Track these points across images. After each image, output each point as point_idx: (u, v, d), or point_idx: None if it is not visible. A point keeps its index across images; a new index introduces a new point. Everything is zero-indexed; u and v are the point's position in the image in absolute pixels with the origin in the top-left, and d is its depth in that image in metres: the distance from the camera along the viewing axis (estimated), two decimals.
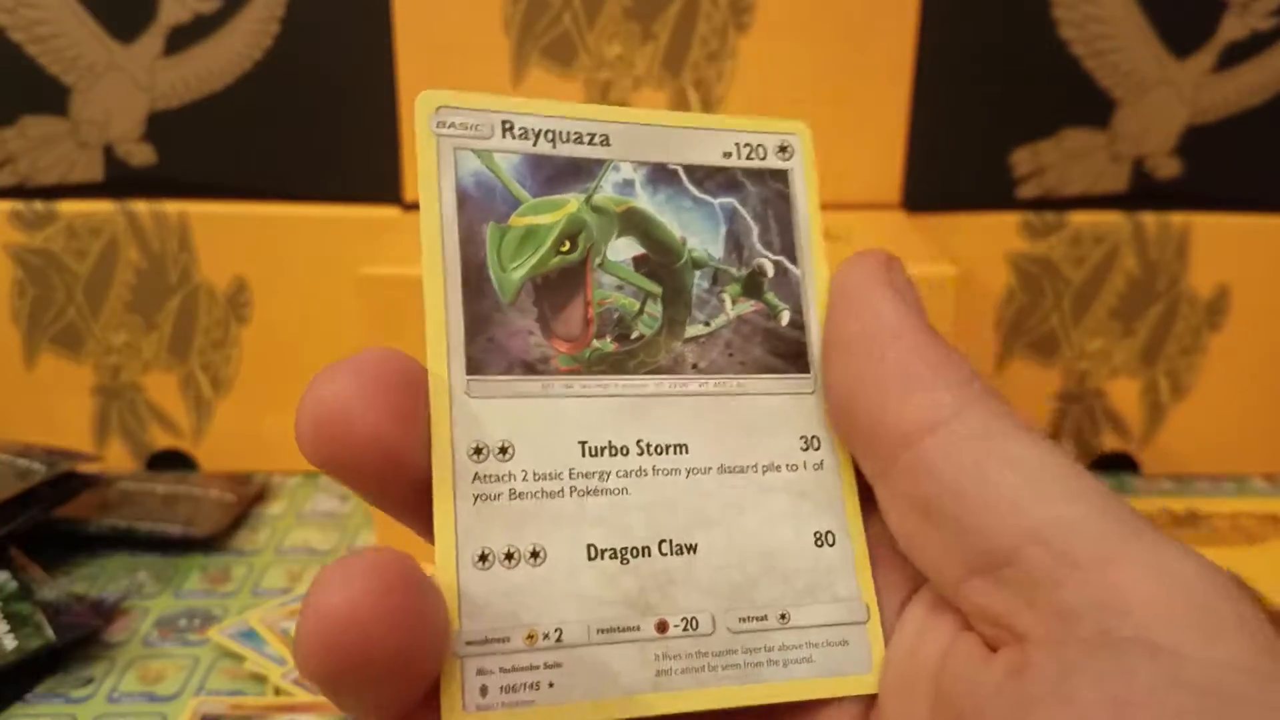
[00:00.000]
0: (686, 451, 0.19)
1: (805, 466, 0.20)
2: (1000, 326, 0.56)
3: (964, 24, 0.52)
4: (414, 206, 0.54)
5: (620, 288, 0.20)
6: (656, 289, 0.20)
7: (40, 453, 0.50)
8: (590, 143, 0.20)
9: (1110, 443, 0.59)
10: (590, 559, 0.19)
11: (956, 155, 0.54)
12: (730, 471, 0.20)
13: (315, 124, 0.53)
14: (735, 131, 0.21)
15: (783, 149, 0.22)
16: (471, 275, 0.19)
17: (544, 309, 0.19)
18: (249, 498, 0.55)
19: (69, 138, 0.54)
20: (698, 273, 0.20)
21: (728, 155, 0.21)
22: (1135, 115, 0.54)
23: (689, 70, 0.53)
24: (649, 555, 0.19)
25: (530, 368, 0.19)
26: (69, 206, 0.54)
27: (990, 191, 0.55)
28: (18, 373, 0.56)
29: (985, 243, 0.55)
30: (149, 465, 0.58)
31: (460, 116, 0.20)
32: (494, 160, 0.20)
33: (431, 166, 0.20)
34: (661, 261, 0.20)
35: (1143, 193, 0.55)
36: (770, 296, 0.21)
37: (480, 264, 0.19)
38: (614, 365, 0.19)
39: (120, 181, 0.54)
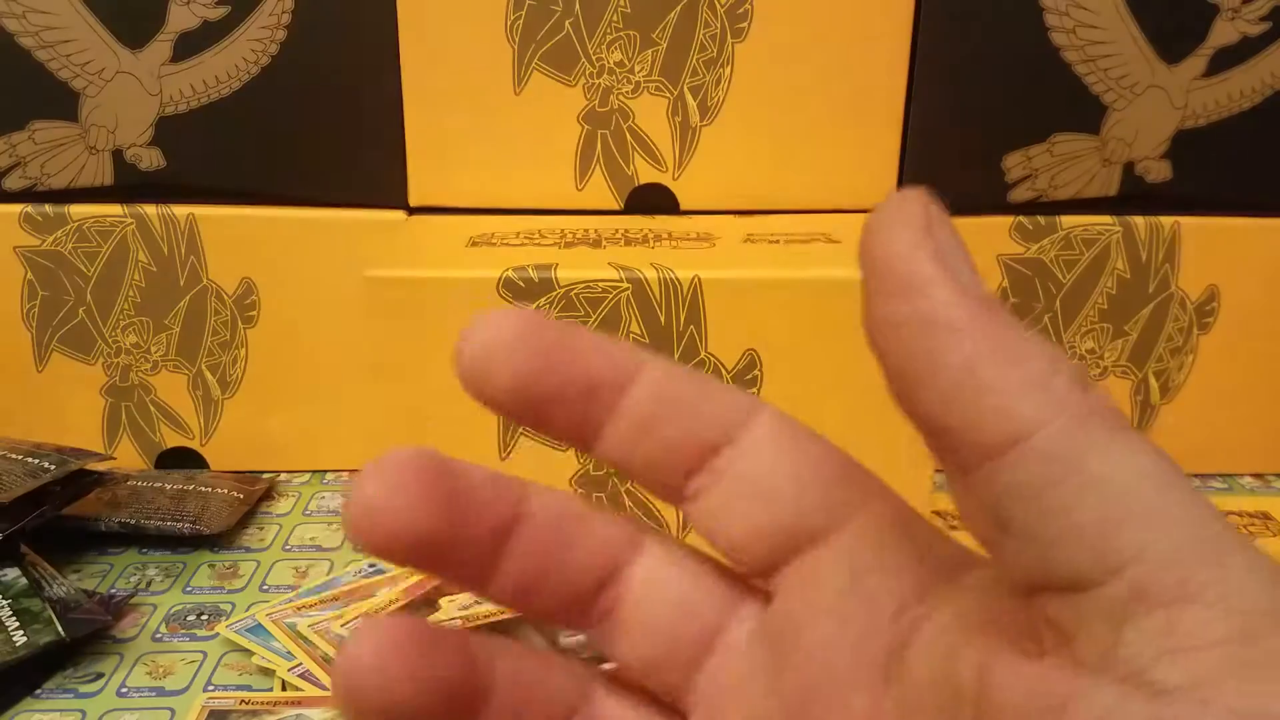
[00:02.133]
0: None
1: None
2: None
3: (958, 31, 0.53)
4: (419, 210, 0.55)
5: None
6: None
7: (51, 451, 0.51)
8: None
9: None
10: None
11: (950, 159, 0.55)
12: None
13: (322, 129, 0.54)
14: None
15: None
16: None
17: None
18: (257, 496, 0.55)
19: (79, 142, 0.54)
20: None
21: None
22: (1126, 120, 0.54)
23: (687, 77, 0.53)
24: None
25: None
26: (79, 210, 0.55)
27: (983, 195, 0.55)
28: (29, 373, 0.57)
29: (978, 245, 0.55)
30: (158, 464, 0.59)
31: None
32: None
33: None
34: None
35: (1133, 196, 0.55)
36: None
37: None
38: None
39: (129, 185, 0.55)
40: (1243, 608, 0.14)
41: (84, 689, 0.42)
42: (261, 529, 0.54)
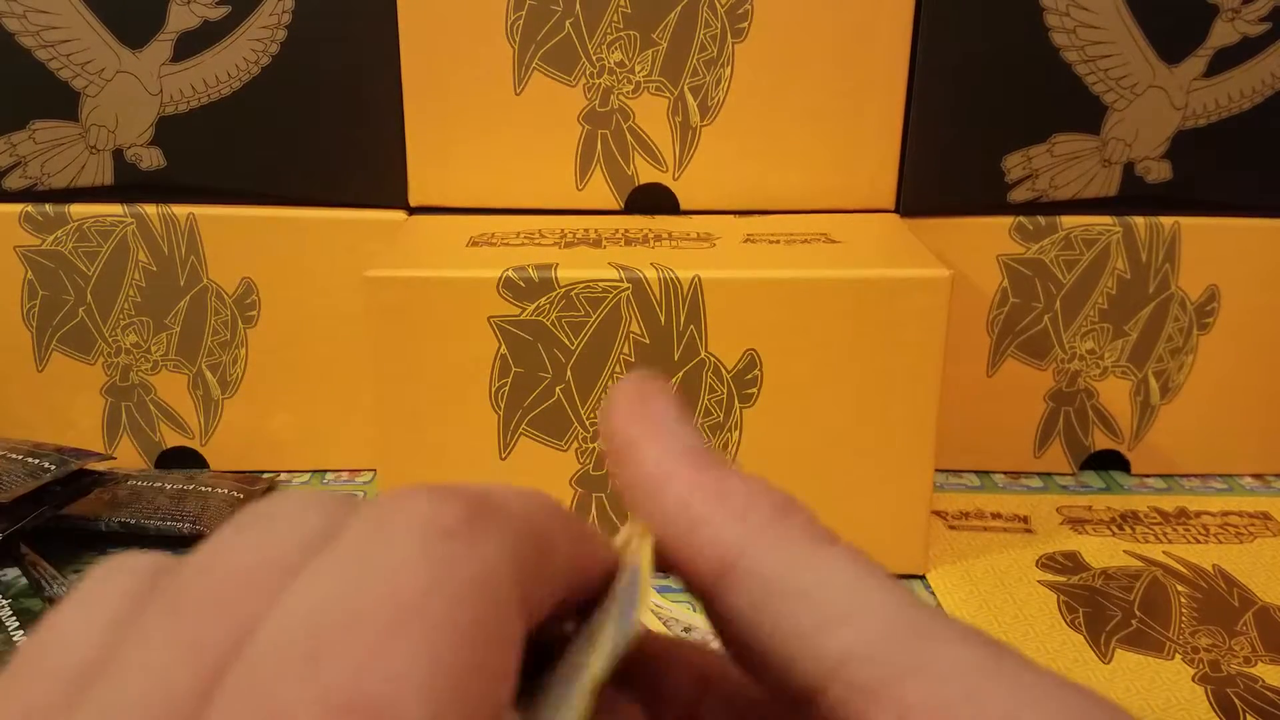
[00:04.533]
0: None
1: None
2: (993, 328, 0.57)
3: (958, 31, 0.53)
4: (419, 210, 0.55)
5: None
6: None
7: (51, 451, 0.51)
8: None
9: (1101, 442, 0.59)
10: None
11: (950, 160, 0.55)
12: None
13: (322, 129, 0.54)
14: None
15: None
16: None
17: None
18: (257, 495, 0.55)
19: (79, 142, 0.54)
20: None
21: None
22: (1126, 120, 0.54)
23: (687, 77, 0.53)
24: None
25: None
26: (79, 209, 0.55)
27: (984, 196, 0.55)
28: (29, 372, 0.57)
29: (979, 246, 0.56)
30: (158, 463, 0.59)
31: None
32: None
33: None
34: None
35: (1133, 196, 0.56)
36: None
37: None
38: None
39: (130, 185, 0.55)
40: (959, 672, 0.15)
41: None
42: None
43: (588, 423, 0.48)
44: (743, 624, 0.17)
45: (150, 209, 0.55)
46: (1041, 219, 0.56)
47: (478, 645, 0.14)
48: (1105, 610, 0.48)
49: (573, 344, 0.47)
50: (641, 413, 0.19)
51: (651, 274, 0.47)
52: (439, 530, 0.15)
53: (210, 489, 0.54)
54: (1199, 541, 0.53)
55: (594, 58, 0.53)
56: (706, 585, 0.18)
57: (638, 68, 0.53)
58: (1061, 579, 0.50)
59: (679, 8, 0.52)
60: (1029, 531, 0.54)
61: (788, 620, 0.17)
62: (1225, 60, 0.54)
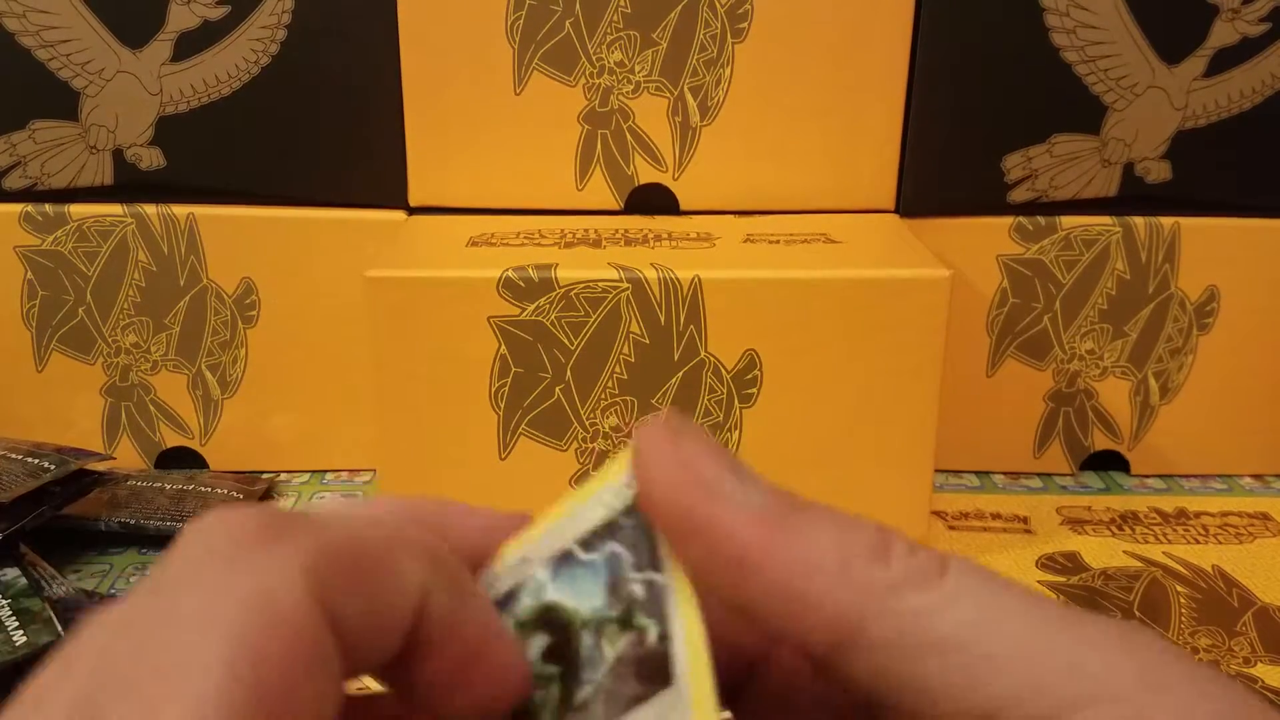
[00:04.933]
0: None
1: None
2: (993, 328, 0.57)
3: (958, 31, 0.53)
4: (419, 210, 0.55)
5: (535, 686, 0.20)
6: (554, 671, 0.20)
7: (51, 451, 0.51)
8: (515, 572, 0.21)
9: (1101, 442, 0.59)
10: None
11: (950, 160, 0.55)
12: None
13: (322, 128, 0.54)
14: (607, 485, 0.21)
15: (629, 482, 0.21)
16: None
17: None
18: (256, 496, 0.55)
19: (79, 142, 0.54)
20: (585, 633, 0.20)
21: (608, 505, 0.21)
22: (1126, 120, 0.54)
23: (687, 77, 0.53)
24: None
25: None
26: (79, 209, 0.55)
27: (983, 196, 0.55)
28: (29, 372, 0.57)
29: (978, 246, 0.56)
30: (158, 464, 0.59)
31: None
32: None
33: None
34: (561, 643, 0.21)
35: (1133, 196, 0.55)
36: (639, 619, 0.20)
37: None
38: None
39: (130, 185, 0.55)
40: (1126, 694, 0.15)
41: None
42: None
43: (587, 423, 0.48)
44: (879, 684, 0.17)
45: (150, 209, 0.55)
46: (1041, 219, 0.56)
47: (258, 667, 0.14)
48: (1105, 611, 0.48)
49: (572, 344, 0.47)
50: (689, 478, 0.18)
51: (651, 274, 0.47)
52: (220, 553, 0.16)
53: (210, 489, 0.54)
54: (1198, 542, 0.53)
55: (594, 58, 0.53)
56: (821, 655, 0.17)
57: (638, 68, 0.53)
58: (1061, 579, 0.50)
59: (679, 8, 0.52)
60: (1029, 532, 0.54)
61: (935, 679, 0.16)
62: (1225, 60, 0.54)
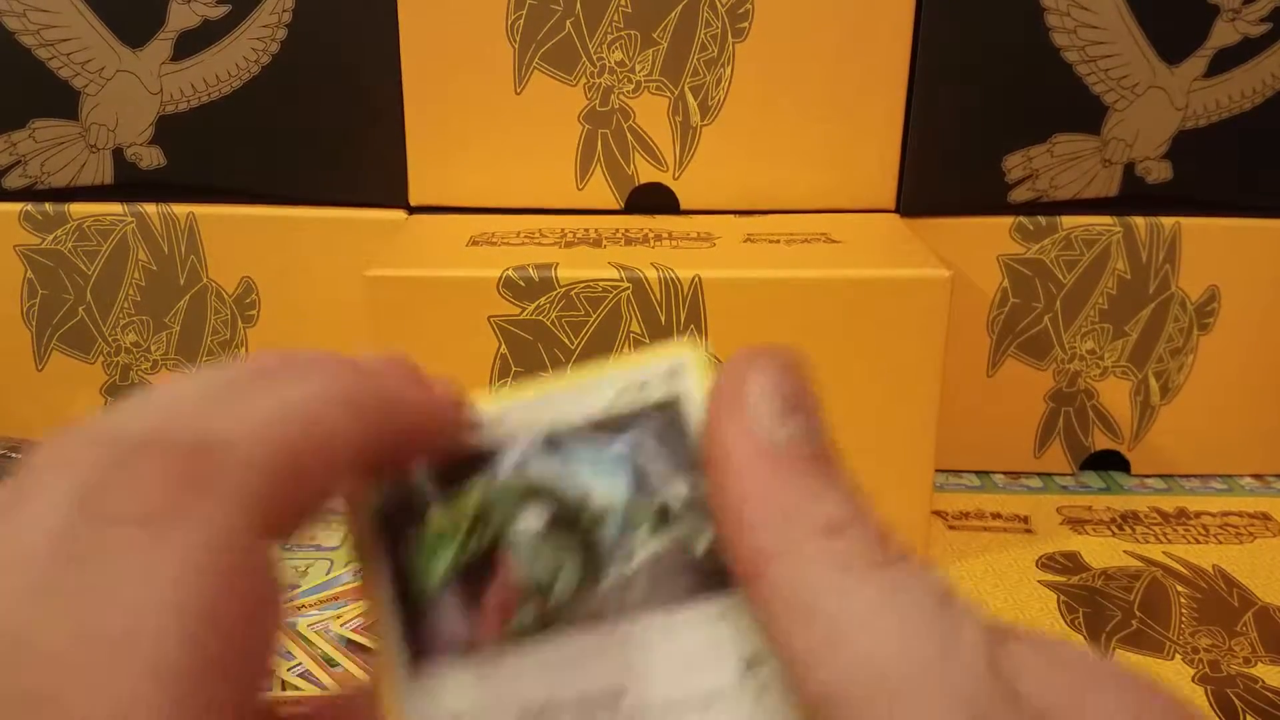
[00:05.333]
0: (625, 694, 0.20)
1: (747, 693, 0.20)
2: (993, 328, 0.57)
3: (958, 31, 0.53)
4: (419, 209, 0.55)
5: (535, 557, 0.21)
6: (567, 549, 0.21)
7: None
8: (489, 430, 0.21)
9: (1101, 442, 0.59)
10: None
11: (951, 160, 0.55)
12: (673, 706, 0.20)
13: (322, 128, 0.54)
14: (623, 373, 0.22)
15: (672, 374, 0.21)
16: (400, 581, 0.21)
17: (466, 596, 0.20)
18: None
19: (79, 141, 0.54)
20: (607, 521, 0.21)
21: (620, 394, 0.21)
22: (1127, 120, 0.54)
23: (688, 76, 0.53)
24: None
25: (464, 650, 0.20)
26: (79, 208, 0.55)
27: (984, 196, 0.55)
28: (28, 372, 0.57)
29: (979, 246, 0.56)
30: None
31: None
32: (406, 474, 0.21)
33: (366, 496, 0.21)
34: (569, 521, 0.21)
35: (1134, 196, 0.55)
36: (681, 525, 0.20)
37: (405, 570, 0.21)
38: (541, 631, 0.20)
39: (130, 184, 0.55)
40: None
41: None
42: None
43: None
44: (765, 625, 0.17)
45: (150, 208, 0.55)
46: (1042, 219, 0.55)
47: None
48: (1105, 610, 0.48)
49: (573, 344, 0.47)
50: (733, 391, 0.19)
51: (651, 274, 0.46)
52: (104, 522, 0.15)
53: None
54: (1199, 542, 0.53)
55: (594, 57, 0.53)
56: (741, 579, 0.18)
57: (638, 67, 0.53)
58: (1061, 579, 0.50)
59: (679, 7, 0.52)
60: (1029, 532, 0.54)
61: (793, 637, 0.17)
62: (1226, 60, 0.54)
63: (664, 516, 0.21)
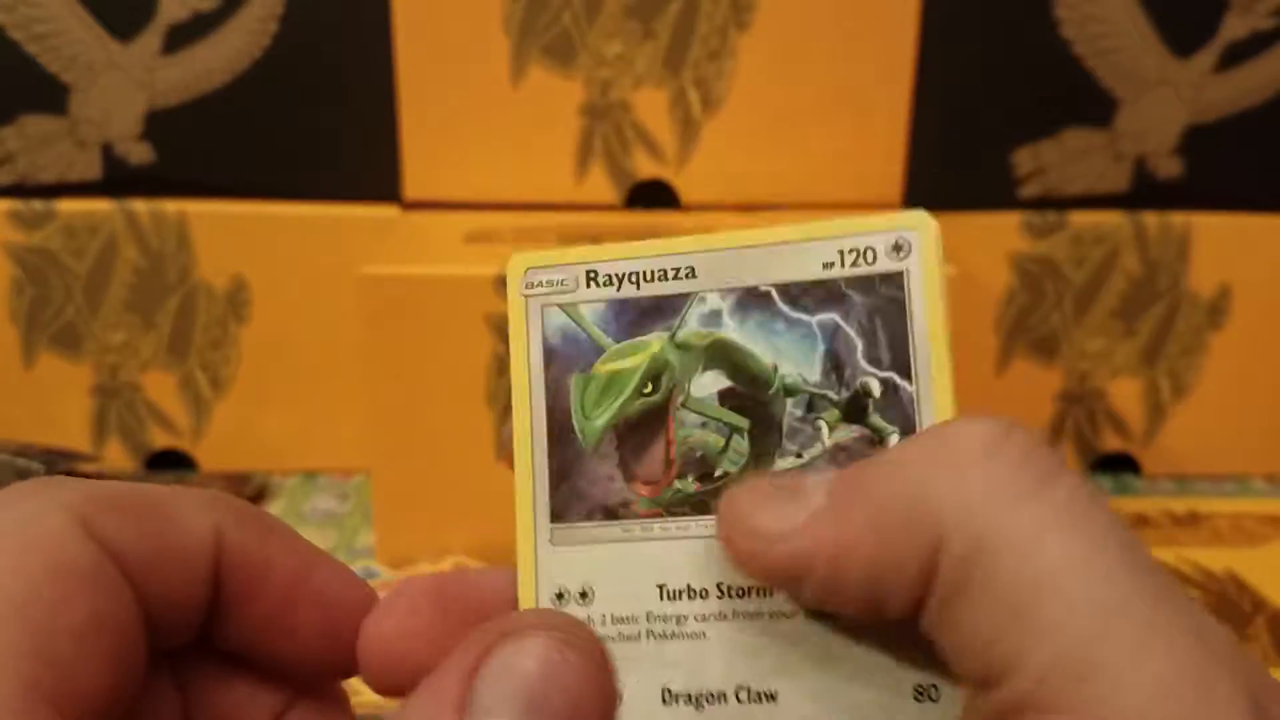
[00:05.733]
0: (769, 594, 0.19)
1: None
2: (1001, 326, 0.57)
3: (965, 23, 0.52)
4: (413, 205, 0.54)
5: (704, 425, 0.19)
6: (743, 423, 0.19)
7: (38, 452, 0.50)
8: (676, 277, 0.20)
9: (1111, 443, 0.59)
10: (665, 703, 0.19)
11: (958, 155, 0.54)
12: (818, 619, 0.19)
13: (315, 123, 0.54)
14: (839, 238, 0.20)
15: (897, 248, 0.19)
16: (556, 426, 0.20)
17: (625, 453, 0.19)
18: (248, 497, 0.55)
19: (67, 136, 0.54)
20: (790, 400, 0.19)
21: (829, 265, 0.19)
22: (1136, 115, 0.54)
23: (689, 69, 0.53)
24: (725, 701, 0.18)
25: (611, 513, 0.19)
26: (67, 205, 0.54)
27: (991, 191, 0.55)
28: (16, 372, 0.56)
29: (986, 242, 0.55)
30: (148, 465, 0.58)
31: (547, 274, 0.20)
32: (579, 312, 0.20)
33: (520, 326, 0.20)
34: (750, 393, 0.19)
35: (1144, 192, 0.55)
36: (876, 419, 0.19)
37: (565, 415, 0.20)
38: (696, 506, 0.19)
39: (119, 180, 0.54)
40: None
41: None
42: None
43: None
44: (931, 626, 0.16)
45: (140, 205, 0.54)
46: (1050, 215, 0.55)
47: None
48: None
49: None
50: (745, 532, 0.18)
51: None
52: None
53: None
54: (1210, 544, 0.52)
55: (593, 49, 0.52)
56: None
57: (638, 59, 0.53)
58: None
59: None
60: None
61: (963, 623, 0.15)
62: (1236, 55, 0.53)
63: (858, 407, 0.19)
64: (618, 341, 0.20)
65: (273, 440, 0.57)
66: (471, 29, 0.52)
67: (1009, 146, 0.54)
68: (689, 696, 0.19)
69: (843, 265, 0.19)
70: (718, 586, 0.19)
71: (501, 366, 0.47)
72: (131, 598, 0.17)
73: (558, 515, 0.19)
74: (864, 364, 0.19)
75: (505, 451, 0.20)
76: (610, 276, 0.20)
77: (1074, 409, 0.58)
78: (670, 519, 0.19)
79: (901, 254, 0.19)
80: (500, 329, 0.46)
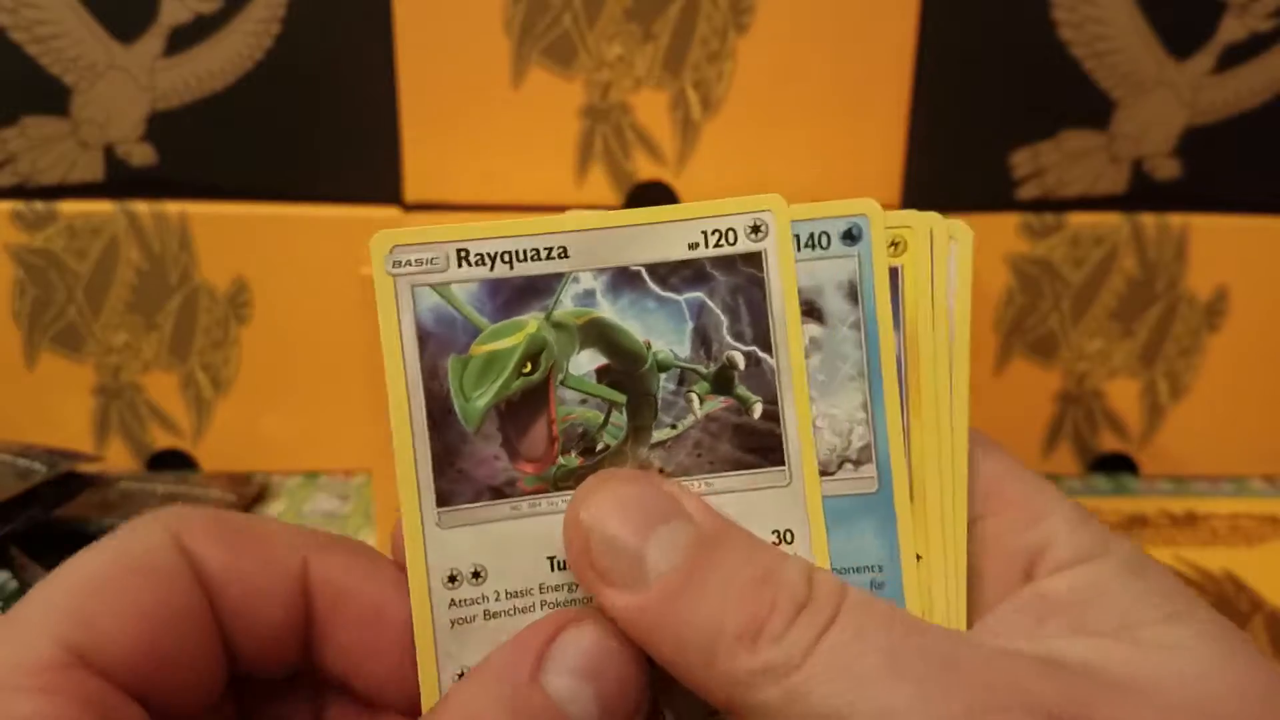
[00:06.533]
0: None
1: None
2: (999, 327, 0.57)
3: (964, 24, 0.52)
4: (414, 207, 0.54)
5: (584, 401, 0.20)
6: (620, 398, 0.20)
7: (41, 453, 0.50)
8: (548, 257, 0.20)
9: (1109, 444, 0.59)
10: None
11: (956, 156, 0.54)
12: None
13: (316, 124, 0.53)
14: (702, 219, 0.21)
15: (755, 229, 0.21)
16: (436, 410, 0.20)
17: (509, 432, 0.20)
18: (249, 498, 0.55)
19: (69, 138, 0.54)
20: (663, 375, 0.20)
21: (694, 246, 0.20)
22: (1135, 116, 0.54)
23: (689, 71, 0.53)
24: None
25: (498, 492, 0.20)
26: (69, 206, 0.54)
27: (990, 192, 0.55)
28: (18, 372, 0.56)
29: (985, 244, 0.55)
30: (149, 465, 0.58)
31: (415, 253, 0.20)
32: (451, 292, 0.20)
33: (390, 307, 0.20)
34: (625, 369, 0.20)
35: (1142, 194, 0.55)
36: (741, 390, 0.20)
37: (444, 397, 0.20)
38: (580, 479, 0.20)
39: (120, 182, 0.54)
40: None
41: None
42: None
43: None
44: None
45: (141, 206, 0.54)
46: (1049, 216, 0.55)
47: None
48: None
49: None
50: (586, 563, 0.19)
51: None
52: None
53: (203, 491, 0.54)
54: (1208, 545, 0.52)
55: (593, 51, 0.52)
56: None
57: (638, 61, 0.52)
58: None
59: (680, 0, 0.51)
60: None
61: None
62: (1235, 56, 0.53)
63: (724, 379, 0.20)
64: (493, 322, 0.20)
65: (274, 440, 0.57)
66: (472, 31, 0.52)
67: (1007, 148, 0.54)
68: None
69: (707, 246, 0.20)
70: None
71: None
72: (204, 601, 0.18)
73: (444, 499, 0.20)
74: (729, 339, 0.20)
75: None
76: (483, 256, 0.20)
77: (1072, 409, 0.58)
78: (557, 494, 0.20)
79: (759, 235, 0.20)
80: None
